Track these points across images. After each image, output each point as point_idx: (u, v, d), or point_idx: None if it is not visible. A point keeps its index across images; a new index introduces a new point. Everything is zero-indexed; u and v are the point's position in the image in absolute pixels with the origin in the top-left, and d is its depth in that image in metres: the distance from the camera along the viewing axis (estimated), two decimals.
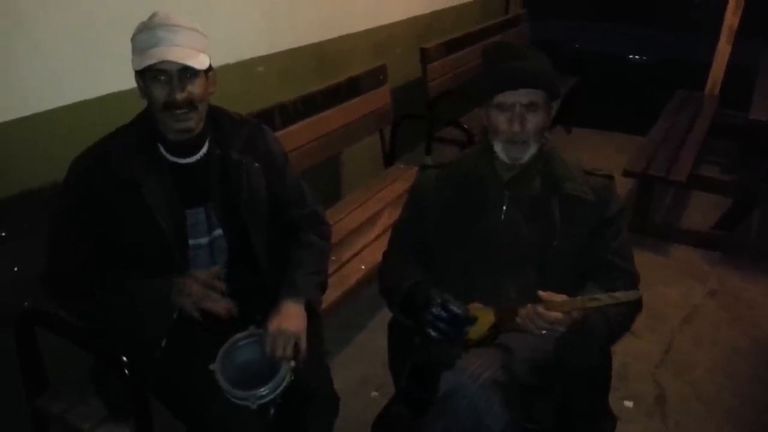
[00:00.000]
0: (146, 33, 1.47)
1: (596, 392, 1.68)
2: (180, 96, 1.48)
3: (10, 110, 1.83)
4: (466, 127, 3.55)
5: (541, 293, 1.46)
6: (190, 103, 1.51)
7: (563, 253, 1.60)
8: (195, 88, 1.51)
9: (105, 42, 2.01)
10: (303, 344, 1.58)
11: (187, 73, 1.49)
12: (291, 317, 1.60)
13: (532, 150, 1.60)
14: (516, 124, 1.56)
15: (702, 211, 4.10)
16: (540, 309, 1.44)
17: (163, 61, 1.45)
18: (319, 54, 3.20)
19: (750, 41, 4.78)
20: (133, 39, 1.50)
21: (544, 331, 1.46)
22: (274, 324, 1.57)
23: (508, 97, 1.55)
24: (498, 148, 1.62)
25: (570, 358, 1.54)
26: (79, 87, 1.98)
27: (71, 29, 1.94)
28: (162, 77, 1.48)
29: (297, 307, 1.63)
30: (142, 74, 1.50)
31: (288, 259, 1.73)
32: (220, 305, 1.56)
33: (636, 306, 1.63)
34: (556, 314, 1.43)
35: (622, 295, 1.41)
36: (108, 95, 2.05)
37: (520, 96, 1.54)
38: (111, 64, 1.98)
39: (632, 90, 5.33)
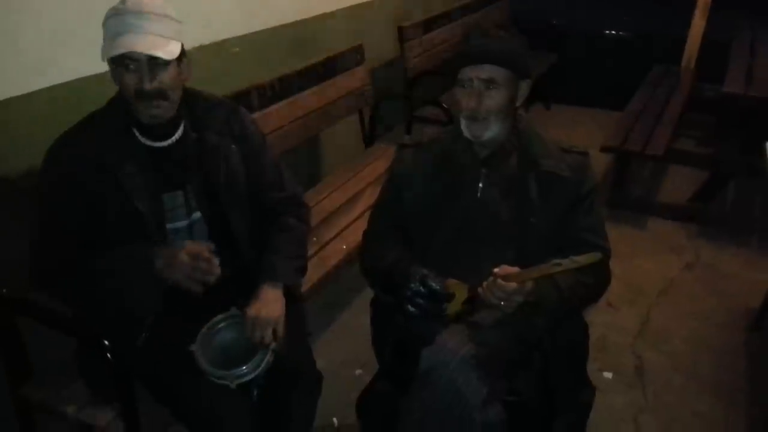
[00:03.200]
0: (116, 18, 1.44)
1: (574, 363, 1.72)
2: (149, 86, 1.46)
3: None
4: (445, 106, 3.55)
5: (496, 270, 1.48)
6: (160, 93, 1.48)
7: (540, 230, 1.62)
8: (165, 77, 1.48)
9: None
10: (281, 329, 1.60)
11: (156, 61, 1.46)
12: (269, 302, 1.61)
13: (494, 128, 1.59)
14: (473, 100, 1.56)
15: (679, 184, 4.15)
16: (499, 281, 1.46)
17: (131, 51, 1.42)
18: (295, 34, 3.17)
19: (724, 14, 4.80)
20: (104, 23, 1.47)
21: (502, 303, 1.48)
22: (252, 310, 1.58)
23: (467, 72, 1.56)
24: (462, 125, 1.62)
25: (523, 329, 1.57)
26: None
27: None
28: (131, 65, 1.45)
29: (275, 291, 1.64)
30: (112, 61, 1.47)
31: (267, 243, 1.73)
32: (210, 275, 1.51)
33: (603, 277, 1.67)
34: (512, 285, 1.46)
35: (583, 258, 1.43)
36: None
37: (479, 71, 1.55)
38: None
39: (610, 65, 5.33)
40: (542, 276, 1.48)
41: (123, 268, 1.53)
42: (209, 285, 1.52)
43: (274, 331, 1.58)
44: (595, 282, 1.63)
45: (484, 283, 1.50)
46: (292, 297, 1.70)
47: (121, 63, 1.46)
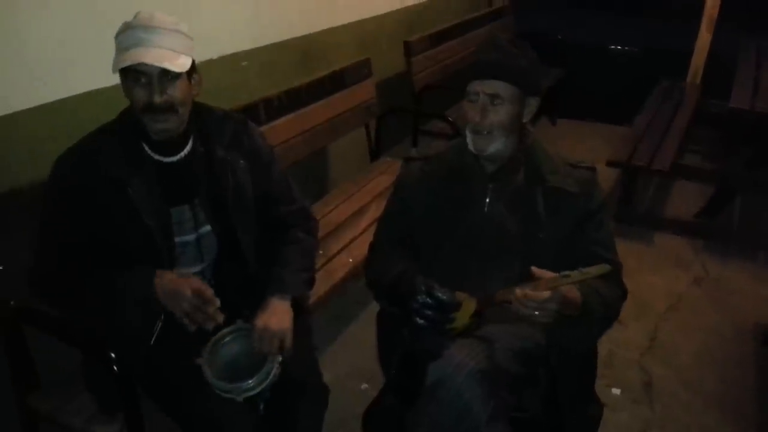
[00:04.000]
0: (127, 33, 1.45)
1: (582, 379, 1.70)
2: (158, 99, 1.46)
3: None
4: (451, 120, 3.56)
5: (534, 269, 1.46)
6: (170, 107, 1.49)
7: (548, 245, 1.61)
8: (175, 91, 1.48)
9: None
10: (288, 341, 1.59)
11: (167, 75, 1.46)
12: (277, 314, 1.61)
13: (498, 143, 1.59)
14: (477, 115, 1.57)
15: (685, 199, 4.14)
16: (529, 291, 1.44)
17: (140, 63, 1.43)
18: (303, 48, 3.20)
19: (729, 29, 4.82)
20: (116, 38, 1.48)
21: (537, 312, 1.44)
22: (260, 322, 1.58)
23: (475, 86, 1.57)
24: (467, 138, 1.63)
25: (567, 341, 1.56)
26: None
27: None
28: (142, 79, 1.45)
29: (283, 304, 1.64)
30: (124, 74, 1.48)
31: (275, 256, 1.73)
32: (212, 320, 1.51)
33: (621, 292, 1.66)
34: (545, 293, 1.43)
35: (592, 270, 1.42)
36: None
37: (485, 86, 1.56)
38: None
39: (616, 80, 5.35)
40: (557, 286, 1.45)
41: (122, 284, 1.53)
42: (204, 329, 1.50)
43: (282, 343, 1.58)
44: (618, 297, 1.63)
45: (514, 296, 1.46)
46: (299, 308, 1.69)
47: (132, 77, 1.46)
